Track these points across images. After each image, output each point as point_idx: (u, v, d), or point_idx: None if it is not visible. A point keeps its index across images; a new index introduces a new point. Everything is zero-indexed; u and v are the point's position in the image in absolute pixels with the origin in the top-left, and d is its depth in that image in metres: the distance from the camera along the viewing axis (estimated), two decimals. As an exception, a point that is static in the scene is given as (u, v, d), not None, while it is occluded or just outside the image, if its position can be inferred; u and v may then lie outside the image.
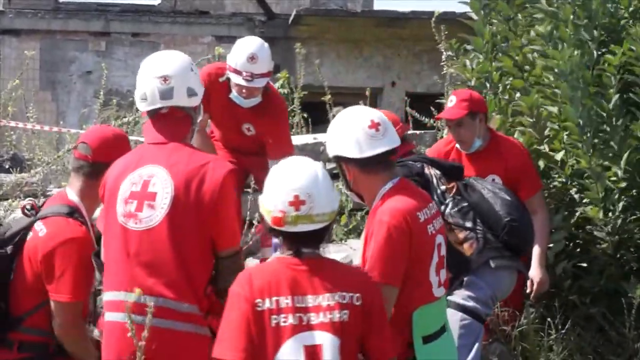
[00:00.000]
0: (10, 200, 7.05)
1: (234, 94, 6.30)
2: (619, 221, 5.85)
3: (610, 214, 5.86)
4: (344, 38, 16.34)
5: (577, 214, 6.05)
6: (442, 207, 5.27)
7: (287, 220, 3.59)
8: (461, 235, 5.31)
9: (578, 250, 6.19)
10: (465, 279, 5.27)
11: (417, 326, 4.04)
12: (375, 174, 4.12)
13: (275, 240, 6.07)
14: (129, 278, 3.90)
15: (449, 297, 5.11)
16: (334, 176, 4.13)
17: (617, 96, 5.85)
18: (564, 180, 6.20)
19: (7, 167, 9.38)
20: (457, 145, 6.01)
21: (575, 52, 5.83)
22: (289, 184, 3.61)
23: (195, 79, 4.21)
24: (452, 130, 5.98)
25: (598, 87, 5.99)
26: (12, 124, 8.89)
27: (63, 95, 16.39)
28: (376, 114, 4.19)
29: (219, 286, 3.94)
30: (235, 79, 6.23)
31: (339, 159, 4.16)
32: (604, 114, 5.87)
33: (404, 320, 4.02)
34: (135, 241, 3.93)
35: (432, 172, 5.30)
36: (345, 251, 8.04)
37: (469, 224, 5.31)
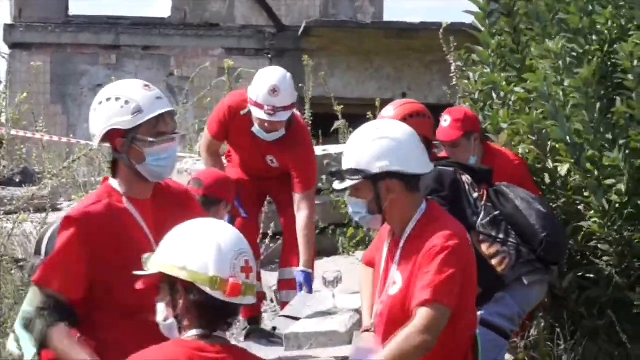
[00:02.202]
0: (19, 214, 7.03)
1: (256, 128, 6.03)
2: (623, 234, 5.80)
3: (613, 226, 5.80)
4: (354, 49, 16.34)
5: (584, 228, 5.99)
6: (475, 218, 5.11)
7: (243, 290, 2.94)
8: (492, 249, 5.12)
9: (585, 262, 6.13)
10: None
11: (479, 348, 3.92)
12: (415, 194, 3.86)
13: (300, 279, 5.96)
14: None
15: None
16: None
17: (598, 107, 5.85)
18: (570, 194, 6.15)
19: (17, 180, 9.40)
20: None
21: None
22: (234, 245, 2.98)
23: (95, 118, 3.76)
24: (447, 150, 5.90)
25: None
26: (21, 133, 8.89)
27: (74, 109, 16.43)
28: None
29: None
30: (257, 113, 5.94)
31: (385, 176, 3.78)
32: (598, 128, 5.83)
33: (468, 345, 3.89)
34: None
35: (464, 178, 5.17)
36: (353, 263, 8.04)
37: (501, 236, 5.14)
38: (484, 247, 5.09)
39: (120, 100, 3.70)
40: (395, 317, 3.80)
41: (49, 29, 16.52)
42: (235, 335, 6.26)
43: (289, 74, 6.12)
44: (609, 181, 5.80)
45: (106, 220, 3.67)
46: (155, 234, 3.64)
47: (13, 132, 7.83)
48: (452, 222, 3.88)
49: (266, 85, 5.93)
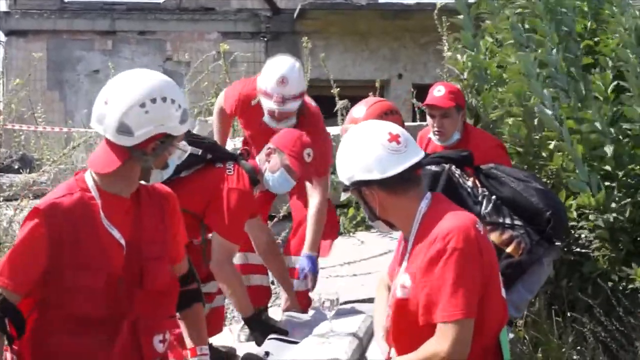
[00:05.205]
0: (19, 200, 7.06)
1: (266, 117, 5.99)
2: (611, 203, 5.81)
3: (600, 198, 5.81)
4: (349, 31, 16.35)
5: (574, 202, 6.01)
6: (478, 207, 4.99)
7: None
8: (505, 235, 4.99)
9: (581, 236, 6.15)
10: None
11: (505, 350, 3.61)
12: (404, 194, 3.60)
13: (303, 264, 5.89)
14: None
15: None
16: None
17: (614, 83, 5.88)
18: (559, 168, 6.17)
19: (16, 167, 9.44)
20: (431, 136, 5.92)
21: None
22: None
23: (145, 115, 3.50)
24: (436, 120, 5.84)
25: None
26: (24, 127, 8.93)
27: (71, 95, 16.45)
28: (391, 125, 3.69)
29: None
30: (266, 104, 5.93)
31: (358, 185, 3.63)
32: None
33: (492, 346, 3.57)
34: None
35: (452, 169, 5.08)
36: (353, 243, 8.08)
37: (508, 221, 5.02)
38: (493, 236, 4.94)
39: (175, 103, 3.56)
40: (401, 320, 3.62)
41: (44, 15, 16.52)
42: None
43: (298, 63, 6.10)
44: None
45: (74, 215, 3.53)
46: (130, 232, 3.59)
47: (9, 125, 7.86)
48: (456, 215, 3.58)
49: (275, 75, 5.91)
